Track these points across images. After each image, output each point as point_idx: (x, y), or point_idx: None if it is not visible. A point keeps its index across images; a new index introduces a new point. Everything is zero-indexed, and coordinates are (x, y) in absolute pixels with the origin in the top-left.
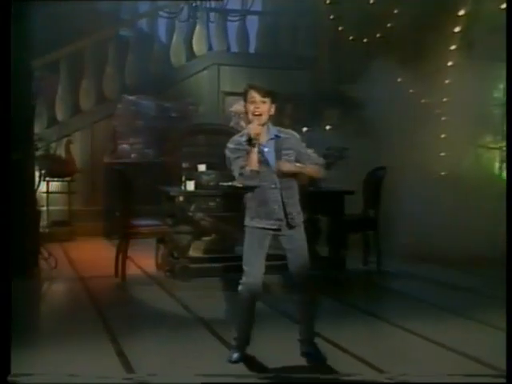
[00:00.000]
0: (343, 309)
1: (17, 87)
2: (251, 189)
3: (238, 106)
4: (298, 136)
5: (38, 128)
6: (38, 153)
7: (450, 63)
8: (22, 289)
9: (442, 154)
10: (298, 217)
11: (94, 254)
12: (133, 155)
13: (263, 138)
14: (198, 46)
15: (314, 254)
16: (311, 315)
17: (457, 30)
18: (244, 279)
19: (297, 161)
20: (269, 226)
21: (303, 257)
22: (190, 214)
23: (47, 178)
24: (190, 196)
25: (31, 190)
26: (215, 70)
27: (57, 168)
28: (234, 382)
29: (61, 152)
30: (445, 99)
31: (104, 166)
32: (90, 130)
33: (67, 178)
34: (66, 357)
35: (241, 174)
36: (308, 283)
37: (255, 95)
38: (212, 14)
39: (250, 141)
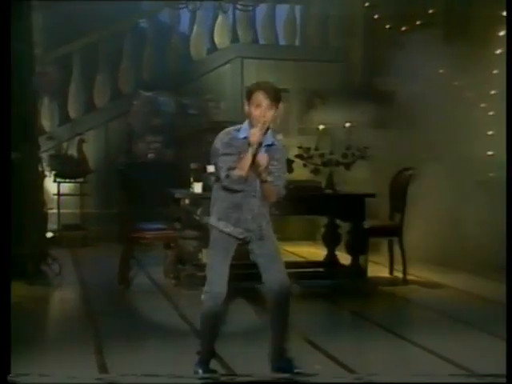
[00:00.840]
0: (365, 326)
1: (16, 84)
2: (229, 190)
3: None
4: (284, 149)
5: (49, 126)
6: (48, 152)
7: (498, 51)
8: (18, 296)
9: (490, 152)
10: (267, 227)
11: (104, 260)
12: (149, 155)
13: (261, 143)
14: (221, 37)
15: (332, 262)
16: (284, 327)
17: (505, 13)
18: (207, 287)
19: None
20: (236, 234)
21: (276, 269)
22: (197, 217)
23: (58, 179)
24: (196, 199)
25: (35, 191)
26: (239, 63)
27: (68, 168)
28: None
29: (73, 151)
30: (492, 91)
31: (119, 166)
32: (104, 128)
33: (79, 179)
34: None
35: (227, 176)
36: (282, 296)
37: (263, 99)
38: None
39: (246, 140)
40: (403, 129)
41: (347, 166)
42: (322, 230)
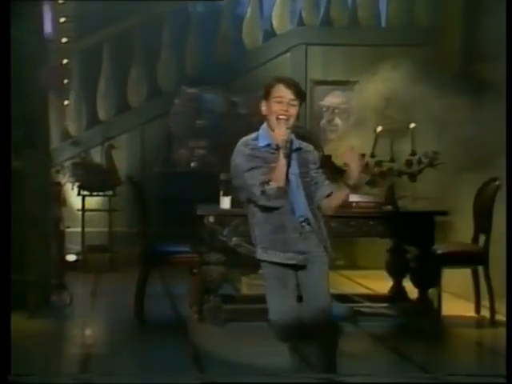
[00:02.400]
0: None
1: (17, 79)
2: (266, 209)
3: (331, 98)
4: (317, 153)
5: (74, 129)
6: (72, 160)
7: None
8: (18, 331)
9: None
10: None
11: (131, 288)
12: (192, 163)
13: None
14: (280, 20)
15: (398, 295)
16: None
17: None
18: (270, 317)
19: None
20: (286, 261)
21: (320, 293)
22: (223, 238)
23: (82, 192)
24: (223, 216)
25: (43, 205)
26: (302, 51)
27: (95, 179)
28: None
29: (101, 159)
30: None
31: (155, 176)
32: (139, 131)
33: (108, 192)
34: None
35: (263, 193)
36: (327, 332)
37: (285, 94)
38: None
39: (278, 149)
40: (493, 130)
41: (412, 177)
42: (386, 255)
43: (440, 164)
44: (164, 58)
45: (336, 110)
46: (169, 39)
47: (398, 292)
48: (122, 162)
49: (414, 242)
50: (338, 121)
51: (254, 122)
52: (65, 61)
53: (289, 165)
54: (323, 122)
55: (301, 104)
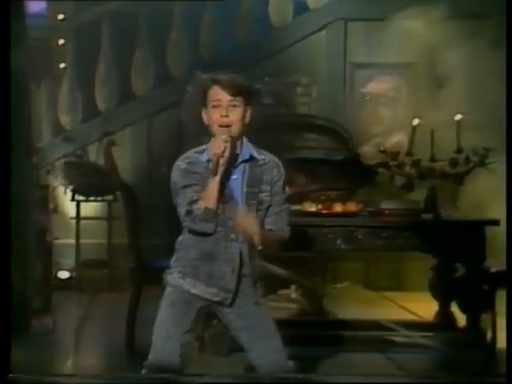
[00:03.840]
0: None
1: None
2: (195, 232)
3: (376, 84)
4: (281, 169)
5: (68, 123)
6: (65, 159)
7: None
8: None
9: None
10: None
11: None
12: None
13: (231, 159)
14: None
15: (445, 322)
16: None
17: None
18: (151, 356)
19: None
20: (208, 296)
21: (269, 347)
22: None
23: (77, 197)
24: None
25: (20, 213)
26: (340, 28)
27: (91, 181)
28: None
29: (99, 158)
30: None
31: (163, 178)
32: (145, 124)
33: (107, 197)
34: None
35: (188, 213)
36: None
37: (221, 96)
38: None
39: (210, 163)
40: None
41: (459, 179)
42: (430, 274)
43: (492, 163)
44: (175, 37)
45: (381, 99)
46: (180, 15)
47: (444, 318)
48: (125, 161)
49: (460, 257)
50: (383, 111)
51: (283, 114)
52: (61, 41)
53: (224, 184)
54: (365, 112)
55: (248, 104)
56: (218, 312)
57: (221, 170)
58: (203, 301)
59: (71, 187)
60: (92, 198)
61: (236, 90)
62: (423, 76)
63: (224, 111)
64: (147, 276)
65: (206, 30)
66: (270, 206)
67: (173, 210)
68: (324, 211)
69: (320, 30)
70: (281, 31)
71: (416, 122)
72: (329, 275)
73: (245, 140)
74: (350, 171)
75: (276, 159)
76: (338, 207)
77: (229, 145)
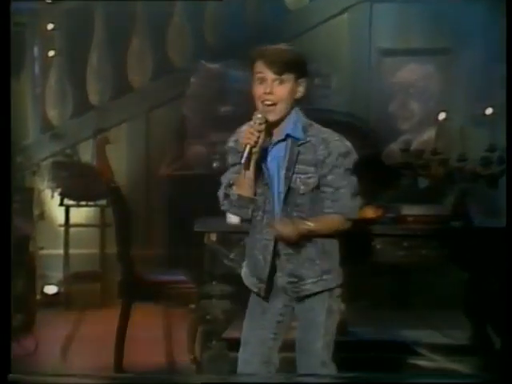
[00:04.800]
0: None
1: None
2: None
3: (406, 73)
4: (341, 149)
5: (56, 118)
6: (52, 159)
7: None
8: None
9: None
10: (313, 284)
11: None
12: (214, 163)
13: (273, 136)
14: None
15: (480, 345)
16: None
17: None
18: (240, 355)
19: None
20: (252, 287)
21: (311, 348)
22: (229, 263)
23: (66, 201)
24: (228, 234)
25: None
26: (365, 10)
27: (82, 184)
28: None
29: (91, 157)
30: None
31: (164, 180)
32: (143, 120)
33: (100, 202)
34: None
35: (226, 196)
36: None
37: (264, 71)
38: None
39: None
40: None
41: (491, 180)
42: (462, 290)
43: None
44: (176, 22)
45: (411, 90)
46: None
47: (478, 341)
48: (120, 161)
49: (495, 270)
50: (414, 105)
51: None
52: (50, 26)
53: (260, 169)
54: (393, 106)
55: (299, 78)
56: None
57: (253, 159)
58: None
59: (59, 190)
60: (83, 203)
61: (282, 66)
62: (458, 64)
63: (268, 88)
64: (138, 291)
65: (212, 14)
66: (321, 186)
67: (172, 216)
68: None
69: (342, 12)
70: (297, 15)
71: (442, 116)
72: (346, 290)
73: (293, 115)
74: (368, 172)
75: (325, 135)
76: None
77: (263, 133)
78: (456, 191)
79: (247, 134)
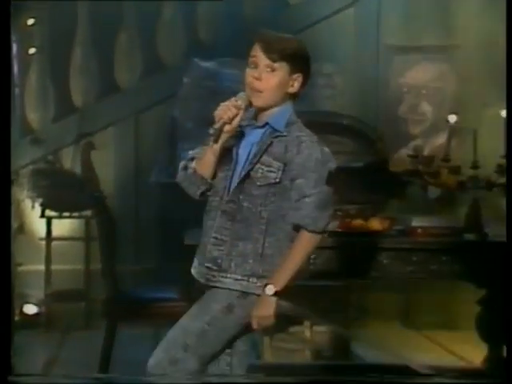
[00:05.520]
0: None
1: None
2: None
3: (417, 72)
4: (318, 154)
5: (37, 121)
6: (33, 166)
7: None
8: None
9: None
10: (233, 280)
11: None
12: None
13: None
14: None
15: (496, 367)
16: None
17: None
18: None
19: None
20: (194, 273)
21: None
22: None
23: (48, 213)
24: None
25: None
26: (373, 4)
27: (65, 193)
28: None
29: (74, 164)
30: None
31: (154, 188)
32: (132, 123)
33: (84, 213)
34: None
35: (184, 168)
36: None
37: (259, 54)
38: None
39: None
40: None
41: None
42: (476, 309)
43: None
44: (167, 16)
45: (423, 91)
46: None
47: (494, 364)
48: (106, 168)
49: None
50: (425, 107)
51: (297, 108)
52: (29, 21)
53: (226, 152)
54: (403, 108)
55: (294, 70)
56: None
57: (223, 137)
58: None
59: (40, 200)
60: (66, 214)
61: (278, 53)
62: (474, 63)
63: (257, 73)
64: (124, 309)
65: (206, 8)
66: (289, 191)
67: (162, 227)
68: (341, 229)
69: (347, 6)
70: (298, 9)
71: (454, 119)
72: (352, 309)
73: (283, 108)
74: (374, 180)
75: (302, 134)
76: (359, 224)
77: (242, 113)
78: (469, 201)
79: (223, 108)
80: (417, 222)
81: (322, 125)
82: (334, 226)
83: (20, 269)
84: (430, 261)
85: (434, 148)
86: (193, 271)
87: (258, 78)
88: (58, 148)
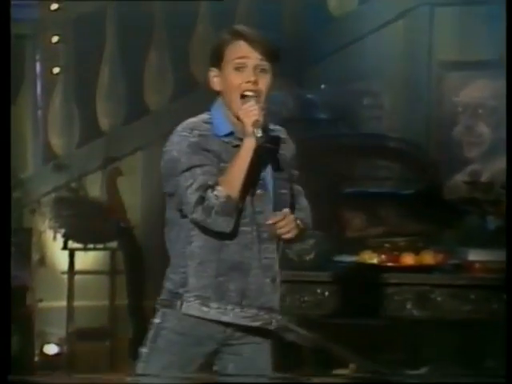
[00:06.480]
0: None
1: None
2: (214, 236)
3: (473, 90)
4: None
5: (60, 146)
6: (55, 194)
7: None
8: None
9: None
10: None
11: None
12: None
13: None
14: None
15: None
16: None
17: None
18: None
19: None
20: (246, 322)
21: None
22: None
23: (71, 244)
24: None
25: None
26: (425, 16)
27: (90, 223)
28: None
29: (99, 192)
30: None
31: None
32: (162, 148)
33: (110, 244)
34: None
35: (201, 201)
36: None
37: (248, 53)
38: None
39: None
40: None
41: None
42: None
43: None
44: (201, 33)
45: (480, 111)
46: (208, 6)
47: None
48: (134, 195)
49: None
50: (482, 128)
51: (342, 130)
52: (54, 38)
53: (255, 166)
54: (458, 129)
55: (274, 73)
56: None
57: (258, 144)
58: (224, 333)
59: (63, 231)
60: (90, 246)
61: (267, 50)
62: None
63: (252, 75)
64: None
65: (242, 21)
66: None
67: None
68: (389, 264)
69: (396, 18)
70: (342, 22)
71: None
72: (398, 353)
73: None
74: (427, 210)
75: (281, 130)
76: (409, 258)
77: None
78: None
79: (254, 111)
80: (474, 255)
81: (367, 148)
82: (380, 259)
83: (41, 305)
84: (489, 299)
85: (493, 173)
86: (234, 316)
87: (255, 82)
88: (82, 174)
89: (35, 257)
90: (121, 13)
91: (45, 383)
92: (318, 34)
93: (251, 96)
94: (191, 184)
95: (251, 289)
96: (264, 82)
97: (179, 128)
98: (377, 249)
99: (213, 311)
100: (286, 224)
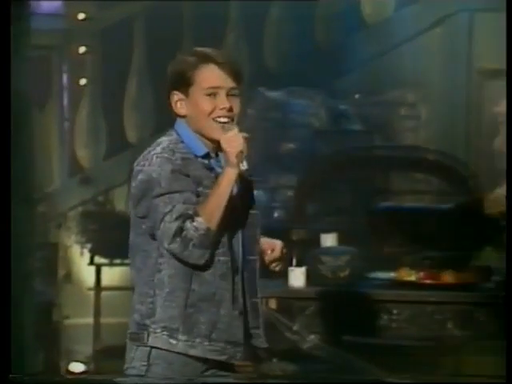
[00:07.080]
0: None
1: None
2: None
3: None
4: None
5: (87, 159)
6: (81, 208)
7: None
8: None
9: None
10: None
11: None
12: (276, 212)
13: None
14: None
15: None
16: None
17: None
18: None
19: None
20: (213, 355)
21: None
22: (293, 336)
23: (97, 260)
24: (290, 301)
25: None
26: (464, 22)
27: (116, 238)
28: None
29: (126, 205)
30: None
31: None
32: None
33: None
34: None
35: (180, 232)
36: None
37: (221, 79)
38: None
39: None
40: None
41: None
42: None
43: None
44: (231, 43)
45: None
46: (238, 14)
47: None
48: None
49: None
50: None
51: (376, 142)
52: (81, 49)
53: (235, 196)
54: (499, 141)
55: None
56: None
57: (237, 172)
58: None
59: (89, 246)
60: (117, 261)
61: (237, 73)
62: None
63: (226, 101)
64: None
65: (273, 33)
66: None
67: None
68: (428, 281)
69: (434, 25)
70: (377, 29)
71: None
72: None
73: None
74: (466, 225)
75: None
76: (449, 276)
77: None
78: None
79: (239, 140)
80: None
81: (404, 160)
82: (419, 277)
83: (67, 322)
84: None
85: None
86: (206, 351)
87: (230, 109)
88: (109, 188)
89: (61, 272)
90: (148, 23)
91: (45, 383)
92: (352, 41)
93: (227, 122)
94: (170, 211)
95: (223, 321)
96: (236, 107)
97: (158, 149)
98: (415, 266)
99: (181, 344)
100: (281, 257)
